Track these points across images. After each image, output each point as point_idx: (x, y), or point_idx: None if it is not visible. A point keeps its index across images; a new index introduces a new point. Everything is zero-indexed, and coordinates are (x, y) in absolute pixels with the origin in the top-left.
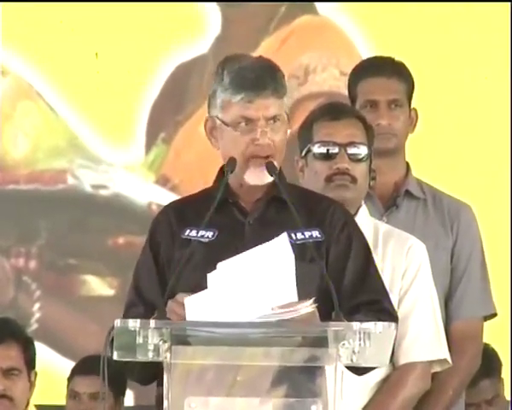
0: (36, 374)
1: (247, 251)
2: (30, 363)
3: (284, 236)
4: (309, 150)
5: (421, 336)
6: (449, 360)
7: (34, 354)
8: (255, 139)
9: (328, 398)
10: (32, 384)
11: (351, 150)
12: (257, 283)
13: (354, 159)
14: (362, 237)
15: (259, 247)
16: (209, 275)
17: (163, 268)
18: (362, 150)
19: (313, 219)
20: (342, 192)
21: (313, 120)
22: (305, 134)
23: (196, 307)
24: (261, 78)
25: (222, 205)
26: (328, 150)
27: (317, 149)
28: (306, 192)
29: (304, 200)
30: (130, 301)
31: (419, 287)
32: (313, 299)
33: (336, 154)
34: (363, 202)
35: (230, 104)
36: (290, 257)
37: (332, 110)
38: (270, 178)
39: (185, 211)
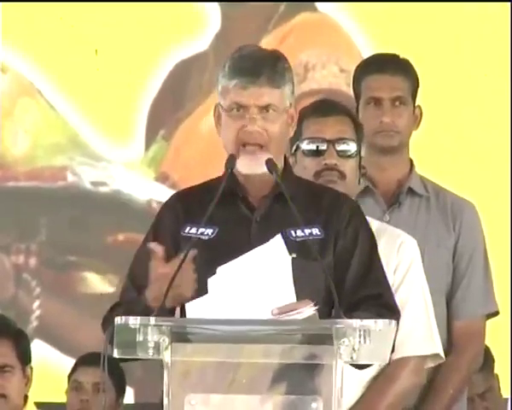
0: (32, 369)
1: (245, 254)
2: (23, 358)
3: (278, 237)
4: (298, 147)
5: (414, 330)
6: (442, 354)
7: (27, 348)
8: (244, 126)
9: (328, 395)
10: (28, 380)
11: (339, 147)
12: (256, 286)
13: (343, 155)
14: (368, 230)
15: (256, 249)
16: (209, 280)
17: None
18: (351, 147)
19: (320, 213)
20: None
21: (303, 116)
22: (295, 131)
23: (197, 312)
24: (257, 65)
25: (229, 198)
26: (317, 147)
27: (306, 145)
28: (314, 186)
29: (311, 194)
30: (124, 286)
31: (411, 282)
32: (314, 303)
33: (325, 150)
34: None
35: (227, 90)
36: (286, 258)
37: (321, 107)
38: (263, 169)
39: (192, 203)
